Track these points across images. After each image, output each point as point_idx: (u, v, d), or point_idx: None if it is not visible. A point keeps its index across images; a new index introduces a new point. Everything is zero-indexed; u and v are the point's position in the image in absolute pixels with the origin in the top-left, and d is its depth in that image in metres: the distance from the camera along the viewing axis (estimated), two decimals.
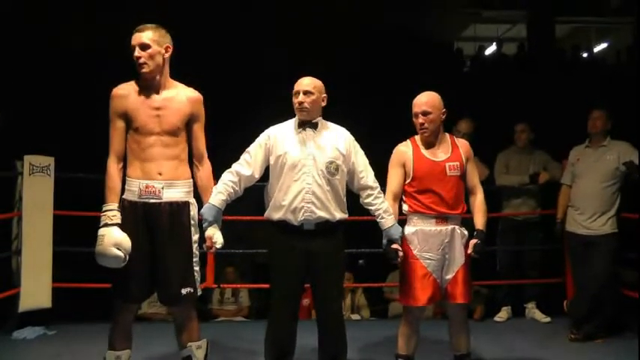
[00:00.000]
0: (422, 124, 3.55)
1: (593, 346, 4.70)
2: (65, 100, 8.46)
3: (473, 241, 3.56)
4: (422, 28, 11.71)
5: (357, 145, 3.52)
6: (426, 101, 3.57)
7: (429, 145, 3.60)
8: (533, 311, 5.70)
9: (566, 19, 13.71)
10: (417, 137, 3.66)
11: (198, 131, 3.32)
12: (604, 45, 15.39)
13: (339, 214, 3.42)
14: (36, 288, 4.96)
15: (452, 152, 3.60)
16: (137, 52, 3.13)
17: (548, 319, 5.56)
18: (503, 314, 5.70)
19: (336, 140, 3.44)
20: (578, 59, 12.83)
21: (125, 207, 3.19)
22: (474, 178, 3.70)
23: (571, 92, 9.50)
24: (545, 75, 10.94)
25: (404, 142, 3.67)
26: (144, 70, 3.15)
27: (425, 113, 3.55)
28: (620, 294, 4.97)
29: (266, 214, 3.48)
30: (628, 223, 4.89)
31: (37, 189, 5.00)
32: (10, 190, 5.02)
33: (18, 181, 4.99)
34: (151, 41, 3.14)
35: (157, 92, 3.21)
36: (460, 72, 12.49)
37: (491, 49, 13.81)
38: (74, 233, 5.03)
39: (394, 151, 3.67)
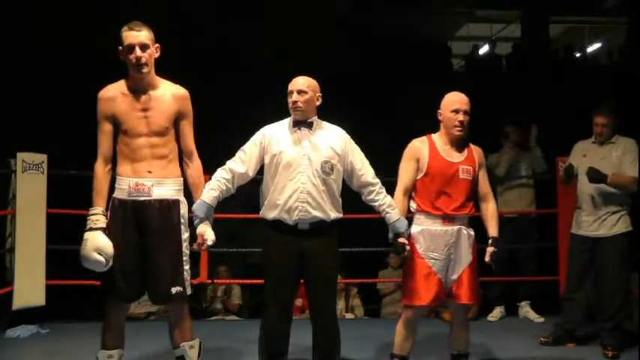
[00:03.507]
0: (462, 122, 3.53)
1: (587, 347, 4.69)
2: (58, 97, 8.44)
3: (490, 249, 3.57)
4: (416, 28, 11.71)
5: (353, 144, 3.50)
6: (468, 102, 3.58)
7: (448, 144, 3.59)
8: (526, 310, 5.72)
9: (560, 19, 13.72)
10: (435, 135, 3.65)
11: (186, 128, 3.29)
12: (598, 45, 15.42)
13: (334, 214, 3.41)
14: (29, 286, 4.96)
15: (467, 156, 3.60)
16: (138, 53, 3.09)
17: (541, 319, 5.58)
18: (496, 313, 5.72)
19: (331, 139, 3.43)
20: (571, 59, 12.85)
21: (115, 205, 3.19)
22: (486, 185, 3.70)
23: (564, 92, 9.54)
24: (539, 74, 10.97)
25: (420, 138, 3.66)
26: (144, 71, 3.12)
27: (466, 112, 3.55)
28: (631, 301, 4.84)
29: (261, 212, 3.47)
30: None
31: (31, 186, 5.00)
32: (4, 188, 5.01)
33: (11, 179, 4.99)
34: (149, 41, 3.13)
35: (145, 92, 3.18)
36: (451, 71, 12.53)
37: (485, 49, 13.83)
38: (67, 231, 5.03)
39: (409, 145, 3.64)
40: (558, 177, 5.56)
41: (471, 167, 3.58)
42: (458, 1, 12.89)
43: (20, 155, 4.97)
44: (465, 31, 14.98)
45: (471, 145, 3.69)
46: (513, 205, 5.78)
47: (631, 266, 4.79)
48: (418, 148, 3.61)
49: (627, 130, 4.66)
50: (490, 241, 3.60)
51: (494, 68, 12.00)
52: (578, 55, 14.09)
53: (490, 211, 3.68)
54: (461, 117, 3.53)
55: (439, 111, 3.62)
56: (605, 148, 4.61)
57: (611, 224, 4.52)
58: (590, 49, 15.33)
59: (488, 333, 5.14)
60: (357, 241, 5.37)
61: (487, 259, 3.55)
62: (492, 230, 3.64)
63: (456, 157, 3.58)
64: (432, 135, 3.66)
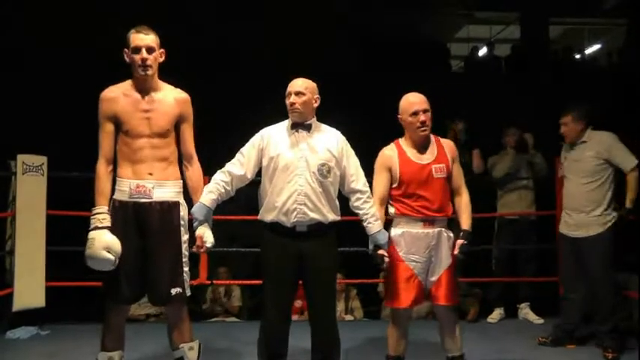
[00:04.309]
0: (424, 122, 3.51)
1: (587, 348, 4.68)
2: (58, 98, 8.45)
3: (459, 242, 3.55)
4: (416, 29, 11.73)
5: (350, 148, 3.52)
6: (425, 100, 3.56)
7: (416, 147, 3.58)
8: (525, 312, 5.72)
9: (560, 20, 13.72)
10: (402, 140, 3.64)
11: (187, 132, 3.34)
12: (597, 46, 15.43)
13: (332, 216, 3.42)
14: (29, 287, 4.97)
15: (437, 154, 3.58)
16: (144, 54, 3.14)
17: (541, 321, 5.58)
18: (495, 315, 5.72)
19: (328, 142, 3.44)
20: (570, 60, 12.86)
21: (116, 207, 3.21)
22: (459, 179, 3.68)
23: (564, 93, 9.54)
24: (538, 75, 10.98)
25: (389, 146, 3.65)
26: (148, 73, 3.17)
27: (426, 111, 3.53)
28: (621, 297, 4.84)
29: (259, 215, 3.48)
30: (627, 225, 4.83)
31: (31, 188, 5.01)
32: (4, 190, 5.01)
33: (12, 181, 4.99)
34: (155, 45, 3.19)
35: (147, 94, 3.22)
36: (450, 72, 12.55)
37: (484, 50, 13.84)
38: (67, 232, 5.03)
39: (379, 155, 3.64)
40: (557, 178, 5.58)
41: (443, 165, 3.56)
42: (457, 2, 12.89)
43: (20, 157, 4.98)
44: (465, 33, 14.98)
45: (441, 140, 3.68)
46: (513, 207, 5.79)
47: (628, 267, 4.80)
48: (388, 156, 3.60)
49: (628, 131, 4.66)
50: (461, 233, 3.59)
51: (494, 70, 12.01)
52: (577, 56, 14.09)
53: (463, 204, 3.66)
54: (422, 117, 3.51)
55: (399, 116, 3.60)
56: (578, 149, 4.63)
57: (588, 225, 4.52)
58: (589, 51, 15.33)
59: (488, 335, 5.15)
60: (356, 242, 5.37)
61: (456, 251, 3.53)
62: (464, 223, 3.62)
63: (426, 158, 3.56)
64: (400, 140, 3.65)
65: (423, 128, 3.53)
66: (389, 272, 3.59)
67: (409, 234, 3.53)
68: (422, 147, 3.59)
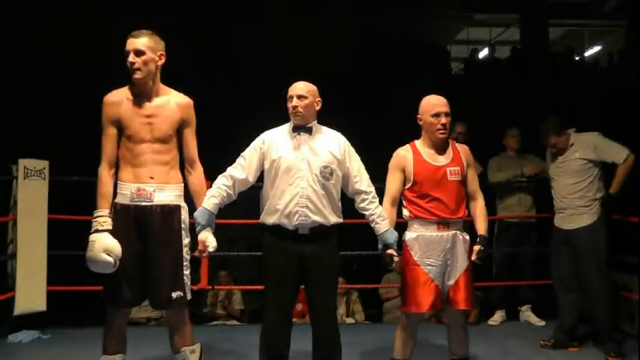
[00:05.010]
0: (444, 124, 3.53)
1: (589, 350, 4.68)
2: (60, 103, 8.45)
3: (476, 248, 3.55)
4: (416, 30, 11.74)
5: (352, 150, 3.52)
6: (447, 103, 3.57)
7: (433, 149, 3.59)
8: (527, 314, 5.71)
9: (559, 22, 13.73)
10: (418, 142, 3.64)
11: (189, 136, 3.34)
12: (597, 48, 15.43)
13: (334, 219, 3.42)
14: (31, 291, 4.97)
15: (453, 157, 3.59)
16: (131, 58, 3.15)
17: (542, 323, 5.56)
18: (497, 317, 5.71)
19: (330, 144, 3.45)
20: (571, 62, 12.86)
21: (117, 211, 3.21)
22: (475, 184, 3.68)
23: (564, 95, 9.55)
24: (538, 77, 10.99)
25: (404, 147, 3.65)
26: (136, 76, 3.17)
27: (447, 114, 3.54)
28: (615, 294, 4.85)
29: (261, 218, 3.49)
30: (620, 226, 4.85)
31: (32, 192, 5.01)
32: (5, 194, 5.02)
33: (13, 185, 5.00)
34: (145, 48, 3.17)
35: (149, 99, 3.23)
36: (450, 74, 12.56)
37: (484, 52, 13.85)
38: (69, 236, 5.04)
39: (394, 155, 3.65)
40: None
41: (458, 168, 3.57)
42: (457, 4, 12.90)
43: (22, 161, 4.98)
44: (464, 35, 14.98)
45: (456, 145, 3.68)
46: (513, 210, 5.78)
47: (627, 268, 4.80)
48: (403, 157, 3.61)
49: (628, 132, 4.67)
50: (478, 239, 3.59)
51: (494, 72, 12.01)
52: (577, 58, 14.10)
53: (479, 209, 3.67)
54: (443, 120, 3.53)
55: (419, 116, 3.61)
56: (566, 151, 4.69)
57: (579, 219, 4.57)
58: (589, 52, 15.33)
59: (490, 337, 5.14)
60: (358, 245, 5.37)
61: (473, 257, 3.54)
62: (481, 228, 3.63)
63: (441, 160, 3.57)
64: (416, 142, 3.65)
65: (442, 130, 3.54)
66: (405, 277, 3.58)
67: (423, 237, 3.52)
68: (438, 149, 3.59)
